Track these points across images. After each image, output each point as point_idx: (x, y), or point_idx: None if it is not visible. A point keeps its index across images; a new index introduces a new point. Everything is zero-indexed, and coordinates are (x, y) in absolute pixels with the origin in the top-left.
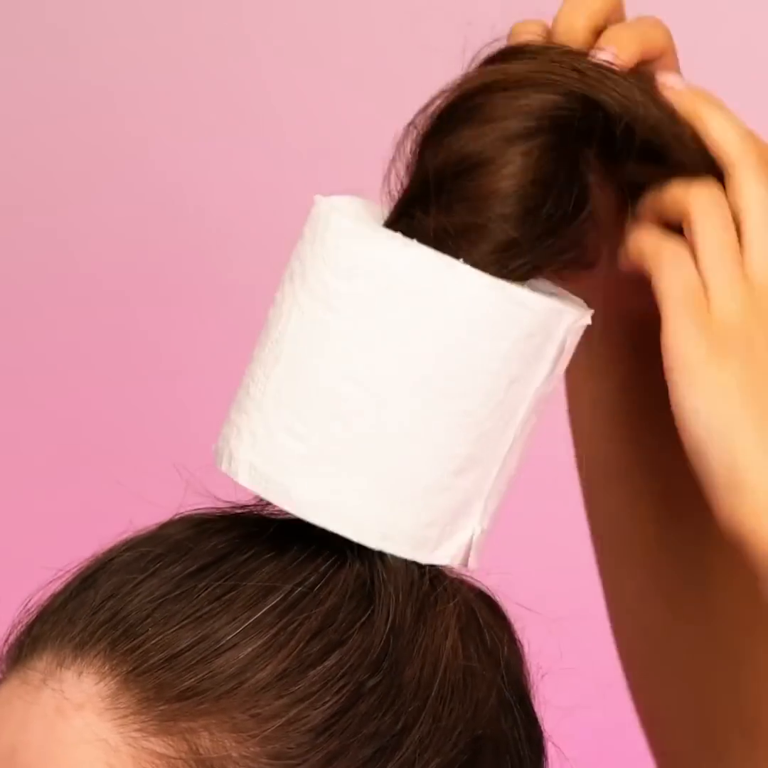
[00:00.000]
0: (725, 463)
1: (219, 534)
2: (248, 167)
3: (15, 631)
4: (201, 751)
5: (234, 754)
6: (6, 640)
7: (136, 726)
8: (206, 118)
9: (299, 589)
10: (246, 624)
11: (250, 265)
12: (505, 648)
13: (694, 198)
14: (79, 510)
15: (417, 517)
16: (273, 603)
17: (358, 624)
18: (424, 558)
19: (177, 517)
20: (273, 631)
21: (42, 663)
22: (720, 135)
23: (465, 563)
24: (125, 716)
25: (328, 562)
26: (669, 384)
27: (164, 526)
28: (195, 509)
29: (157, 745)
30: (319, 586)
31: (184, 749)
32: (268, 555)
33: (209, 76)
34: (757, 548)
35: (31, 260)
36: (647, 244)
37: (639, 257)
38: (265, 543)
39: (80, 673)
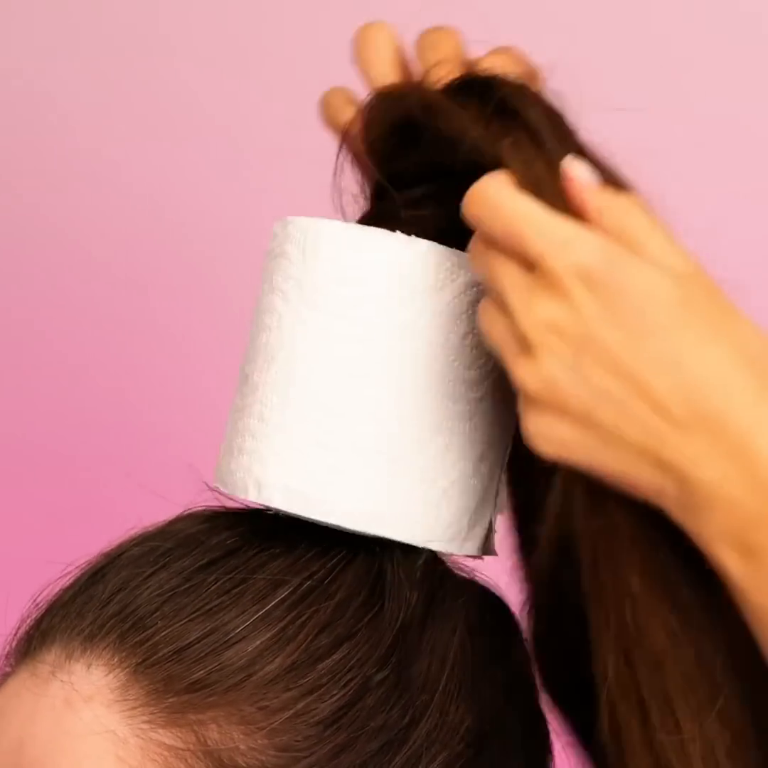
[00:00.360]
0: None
1: (228, 529)
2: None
3: (24, 625)
4: (209, 742)
5: (242, 746)
6: (15, 634)
7: (144, 718)
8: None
9: (308, 582)
10: (255, 617)
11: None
12: (512, 645)
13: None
14: (88, 506)
15: (454, 509)
16: (282, 596)
17: (367, 618)
18: (457, 549)
19: (186, 513)
20: (282, 624)
21: (51, 655)
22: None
23: (490, 550)
24: (134, 708)
25: (338, 557)
26: None
27: (173, 522)
28: (205, 507)
29: (166, 736)
30: (328, 580)
31: (192, 741)
32: (278, 549)
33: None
34: None
35: (37, 250)
36: None
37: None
38: (274, 537)
39: (89, 666)
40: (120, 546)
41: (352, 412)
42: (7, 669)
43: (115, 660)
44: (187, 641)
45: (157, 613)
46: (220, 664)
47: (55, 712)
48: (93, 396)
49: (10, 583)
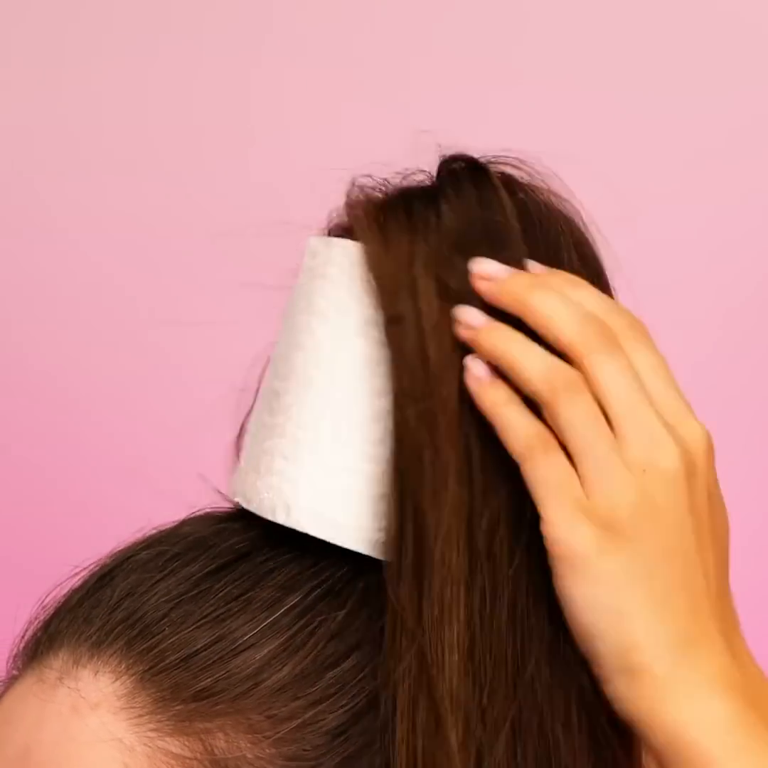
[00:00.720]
0: (617, 649)
1: (238, 533)
2: None
3: (31, 628)
4: (216, 751)
5: (249, 756)
6: (22, 636)
7: (151, 726)
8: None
9: (318, 590)
10: (263, 624)
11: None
12: None
13: (551, 386)
14: (96, 505)
15: None
16: (291, 604)
17: (378, 627)
18: None
19: (194, 514)
20: (290, 632)
21: (58, 661)
22: (530, 364)
23: None
24: (141, 716)
25: (350, 565)
26: (555, 574)
27: (182, 524)
28: (213, 508)
29: (173, 745)
30: (338, 588)
31: (199, 750)
32: (288, 555)
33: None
34: (655, 731)
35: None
36: (514, 432)
37: (508, 443)
38: (284, 543)
39: (96, 672)
40: (128, 548)
41: (390, 440)
42: (14, 672)
43: (123, 667)
44: (195, 649)
45: (165, 620)
46: (227, 672)
47: (62, 719)
48: (100, 391)
49: (18, 584)
